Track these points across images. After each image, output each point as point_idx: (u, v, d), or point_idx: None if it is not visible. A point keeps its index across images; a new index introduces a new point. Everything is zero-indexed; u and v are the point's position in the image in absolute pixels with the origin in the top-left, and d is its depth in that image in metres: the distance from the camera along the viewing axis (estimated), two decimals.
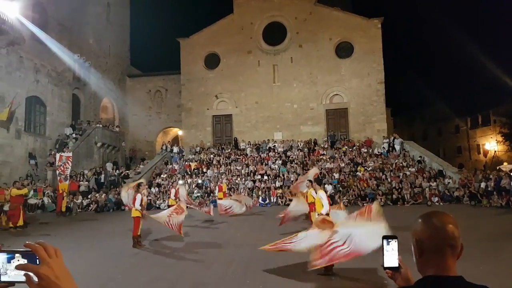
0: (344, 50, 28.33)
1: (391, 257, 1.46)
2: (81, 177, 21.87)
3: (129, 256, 8.45)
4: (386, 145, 25.15)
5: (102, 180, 22.45)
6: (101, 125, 25.86)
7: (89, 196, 20.29)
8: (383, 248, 1.47)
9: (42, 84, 22.92)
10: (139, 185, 10.03)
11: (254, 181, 21.93)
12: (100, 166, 24.18)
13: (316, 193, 8.48)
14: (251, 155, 25.75)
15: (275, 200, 20.11)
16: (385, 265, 1.47)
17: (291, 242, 6.59)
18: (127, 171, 24.52)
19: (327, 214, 7.29)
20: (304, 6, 28.82)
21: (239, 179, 22.39)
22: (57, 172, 17.94)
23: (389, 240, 1.46)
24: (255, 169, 23.45)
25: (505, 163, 29.47)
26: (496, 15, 53.61)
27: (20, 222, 12.82)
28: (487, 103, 36.35)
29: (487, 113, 37.36)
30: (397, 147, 24.84)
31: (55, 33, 23.52)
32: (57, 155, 18.43)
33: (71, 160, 18.25)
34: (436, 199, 18.37)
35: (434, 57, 63.24)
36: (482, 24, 54.68)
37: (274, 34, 29.13)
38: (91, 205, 19.54)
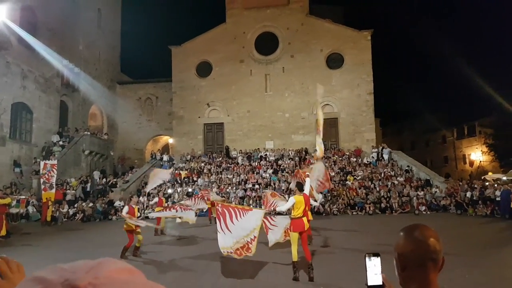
0: (334, 61, 28.69)
1: (374, 274, 1.41)
2: (67, 186, 21.55)
3: None
4: (375, 155, 25.39)
5: (88, 189, 22.15)
6: (89, 133, 25.56)
7: (75, 205, 19.97)
8: (365, 265, 1.42)
9: (29, 90, 22.62)
10: (131, 197, 9.94)
11: (245, 190, 21.86)
12: (87, 175, 23.84)
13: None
14: (242, 164, 25.71)
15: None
16: (369, 283, 1.41)
17: (240, 214, 7.07)
18: (115, 180, 24.22)
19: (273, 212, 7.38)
20: (296, 17, 29.16)
21: (230, 188, 22.29)
22: (42, 180, 17.61)
23: (371, 257, 1.42)
24: (246, 178, 23.40)
25: (490, 173, 29.93)
26: (482, 29, 55.01)
27: (3, 232, 12.49)
28: (473, 115, 37.18)
29: (472, 124, 38.09)
30: (386, 156, 25.10)
31: (44, 38, 23.29)
32: (41, 163, 18.09)
33: (56, 168, 17.93)
34: (424, 208, 18.54)
35: (422, 69, 64.44)
36: (469, 37, 56.04)
37: (267, 44, 29.37)
38: (77, 215, 19.22)
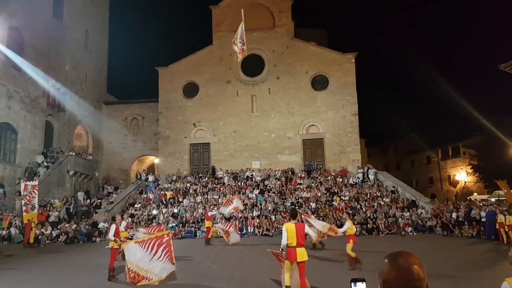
0: (319, 82, 29.26)
1: None
2: (51, 207, 21.05)
3: None
4: (360, 175, 25.61)
5: (71, 210, 21.66)
6: (74, 153, 25.19)
7: (58, 227, 19.45)
8: None
9: (15, 110, 22.34)
10: (113, 216, 9.80)
11: None
12: (71, 196, 23.36)
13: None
14: (228, 184, 25.58)
15: (252, 230, 19.89)
16: None
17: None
18: (99, 201, 23.77)
19: (282, 250, 6.82)
20: (281, 40, 29.82)
21: (216, 208, 22.06)
22: (23, 202, 17.21)
23: (357, 282, 1.45)
24: (233, 198, 23.20)
25: (475, 194, 30.42)
26: (464, 51, 57.13)
27: None
28: (457, 136, 37.86)
29: (456, 145, 38.72)
30: (371, 177, 25.32)
31: (30, 59, 23.18)
32: (22, 184, 17.72)
33: (37, 189, 17.59)
34: (410, 229, 18.64)
35: (406, 90, 66.14)
36: (453, 59, 58.00)
37: (253, 65, 29.79)
38: (61, 236, 18.70)
